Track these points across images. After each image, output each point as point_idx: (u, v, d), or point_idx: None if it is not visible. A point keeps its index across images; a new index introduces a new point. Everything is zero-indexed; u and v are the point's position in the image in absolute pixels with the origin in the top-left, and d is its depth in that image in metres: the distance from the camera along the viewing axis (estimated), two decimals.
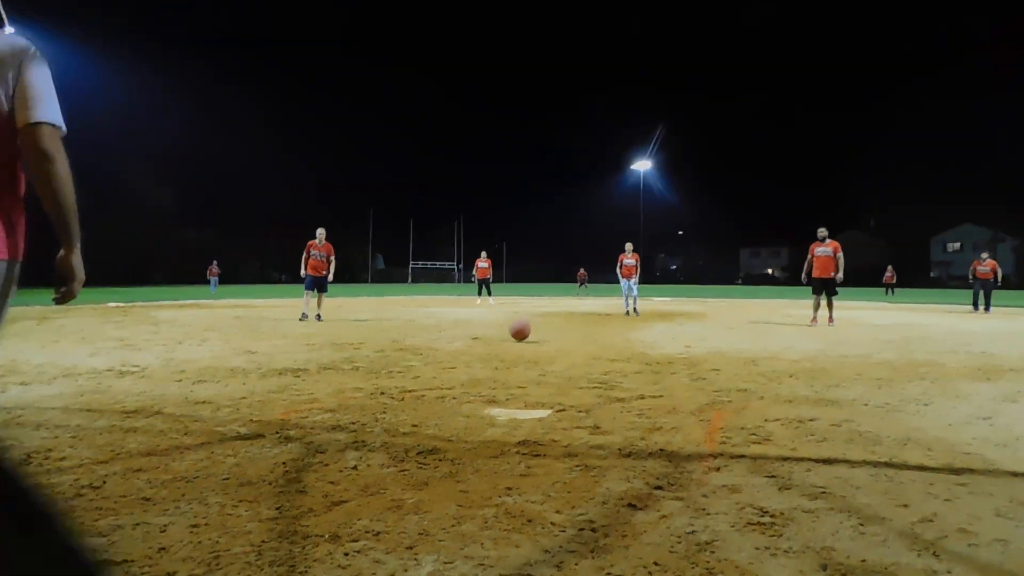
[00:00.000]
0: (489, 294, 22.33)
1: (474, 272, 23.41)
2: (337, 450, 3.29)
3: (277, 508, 2.47)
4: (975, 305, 18.16)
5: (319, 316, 13.00)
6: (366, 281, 67.12)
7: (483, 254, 22.90)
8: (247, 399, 4.62)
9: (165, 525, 2.30)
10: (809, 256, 13.04)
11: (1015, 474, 3.02)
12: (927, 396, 4.89)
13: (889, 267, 35.88)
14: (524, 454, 3.25)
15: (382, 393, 4.89)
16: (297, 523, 2.32)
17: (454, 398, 4.75)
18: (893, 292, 35.06)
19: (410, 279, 71.64)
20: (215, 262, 31.46)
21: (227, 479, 2.82)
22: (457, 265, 73.51)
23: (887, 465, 3.12)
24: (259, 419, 4.00)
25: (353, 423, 3.90)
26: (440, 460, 3.13)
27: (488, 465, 3.07)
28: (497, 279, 79.24)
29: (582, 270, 35.05)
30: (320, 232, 13.14)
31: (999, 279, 18.62)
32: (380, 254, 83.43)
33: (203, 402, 4.52)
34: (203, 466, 3.01)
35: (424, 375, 5.81)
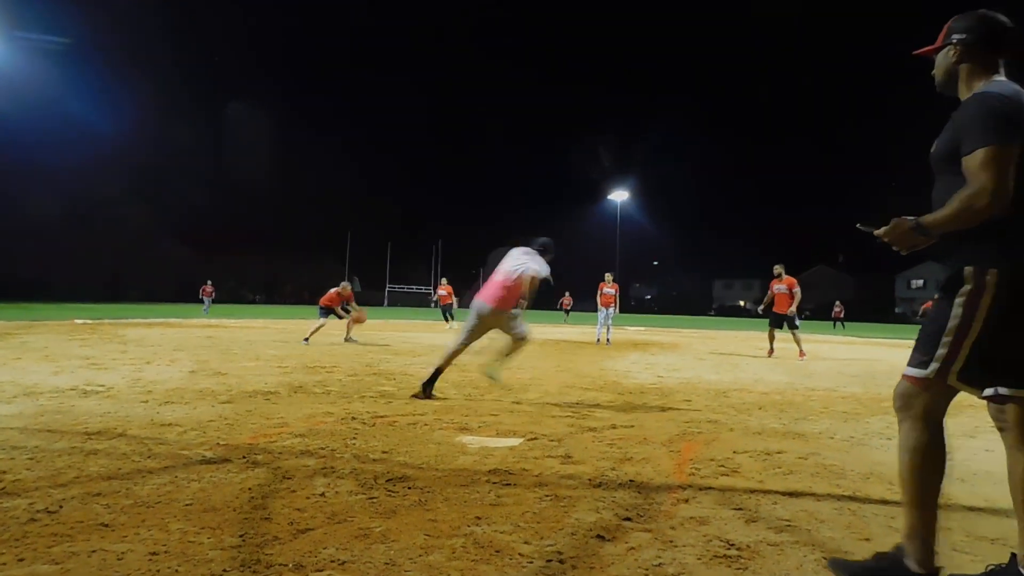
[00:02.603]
0: (452, 319, 22.29)
1: (435, 298, 23.74)
2: (305, 476, 3.25)
3: (241, 535, 2.43)
4: None
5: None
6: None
7: (443, 280, 23.62)
8: (215, 422, 4.55)
9: (123, 553, 2.24)
10: (770, 292, 13.51)
11: (972, 509, 3.08)
12: (891, 431, 4.95)
13: (837, 302, 36.92)
14: (495, 483, 3.24)
15: (353, 418, 4.85)
16: (261, 551, 2.28)
17: (426, 424, 4.72)
18: (843, 326, 35.82)
19: (386, 302, 71.20)
20: (208, 282, 31.03)
21: (190, 505, 2.77)
22: (434, 289, 73.31)
23: (851, 499, 3.15)
24: (226, 443, 3.94)
25: (322, 448, 3.85)
26: (410, 488, 3.11)
27: (458, 494, 3.04)
28: (462, 304, 79.16)
29: (566, 297, 34.65)
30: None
31: None
32: (356, 276, 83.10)
33: (169, 424, 4.44)
34: (166, 491, 2.95)
35: (396, 401, 5.77)
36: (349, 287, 14.45)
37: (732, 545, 2.48)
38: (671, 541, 2.50)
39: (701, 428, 4.90)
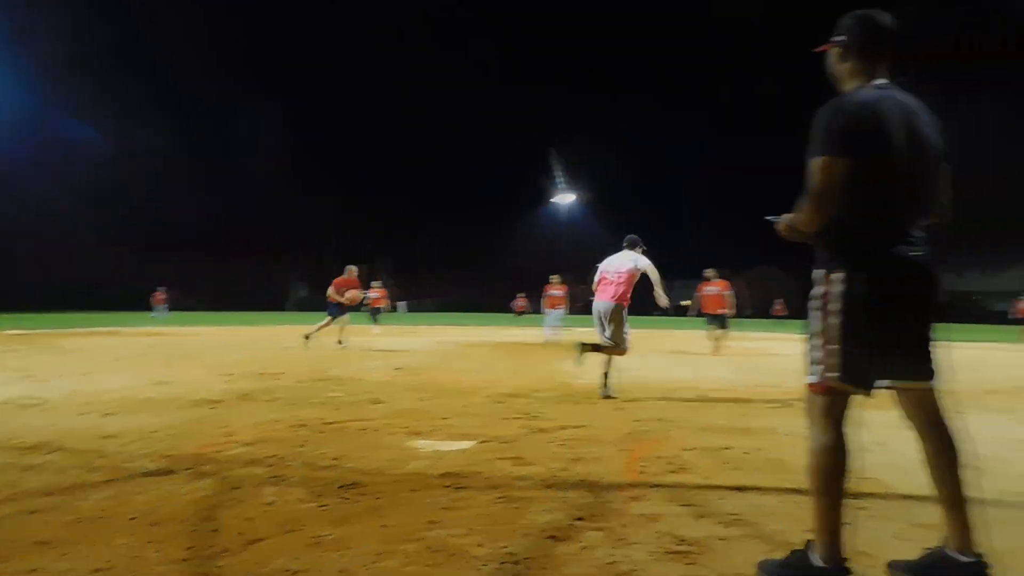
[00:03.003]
0: (375, 322, 21.51)
1: (366, 301, 22.73)
2: (254, 485, 3.20)
3: (188, 548, 2.38)
4: None
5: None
6: (286, 309, 65.31)
7: (377, 283, 22.46)
8: (158, 433, 4.43)
9: (64, 571, 2.18)
10: (697, 294, 14.11)
11: (909, 497, 3.19)
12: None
13: (778, 300, 37.70)
14: (447, 487, 3.24)
15: (302, 425, 4.78)
16: (210, 564, 2.24)
17: (377, 430, 4.68)
18: (784, 323, 36.88)
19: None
20: (160, 289, 29.91)
21: (135, 519, 2.69)
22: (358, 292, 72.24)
23: (795, 492, 3.24)
24: (171, 454, 3.84)
25: (271, 456, 3.79)
26: (361, 494, 3.08)
27: (411, 498, 3.04)
28: (425, 308, 78.56)
29: (521, 300, 33.80)
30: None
31: None
32: (303, 281, 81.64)
33: (111, 436, 4.31)
34: (109, 505, 2.87)
35: (346, 406, 5.71)
36: (355, 270, 13.87)
37: (683, 541, 2.53)
38: (623, 539, 2.54)
39: (650, 426, 4.98)
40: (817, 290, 2.22)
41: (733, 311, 13.61)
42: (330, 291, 13.46)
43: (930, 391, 2.23)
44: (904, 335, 2.19)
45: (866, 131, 2.10)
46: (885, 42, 2.29)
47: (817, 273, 2.23)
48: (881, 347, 2.16)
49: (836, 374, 2.17)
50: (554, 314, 16.38)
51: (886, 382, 2.23)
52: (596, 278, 7.13)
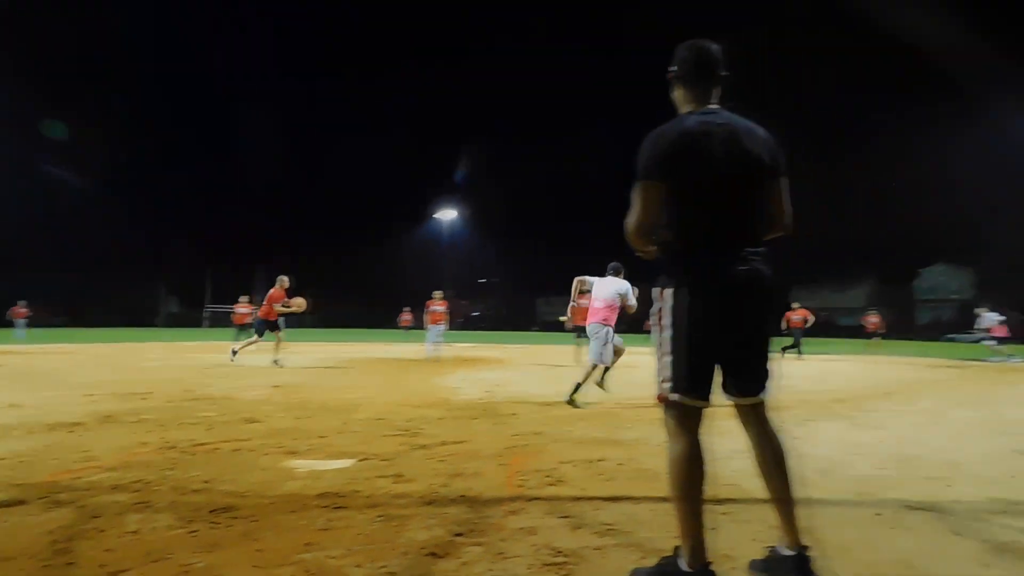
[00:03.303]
0: (237, 339, 20.70)
1: (233, 317, 21.58)
2: (116, 513, 3.01)
3: None
4: (785, 350, 19.08)
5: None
6: (157, 325, 61.31)
7: (243, 299, 21.51)
8: (7, 460, 4.08)
9: None
10: (572, 305, 14.44)
11: (765, 501, 3.42)
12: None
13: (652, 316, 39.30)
14: (325, 507, 3.18)
15: (171, 447, 4.54)
16: None
17: (251, 450, 4.52)
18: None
19: (206, 324, 66.39)
20: (22, 302, 26.89)
21: None
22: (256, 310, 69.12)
23: (665, 500, 3.39)
24: (22, 482, 3.55)
25: (136, 482, 3.58)
26: (234, 518, 2.97)
27: (287, 520, 2.96)
28: (302, 323, 75.83)
29: (406, 314, 32.51)
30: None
31: (808, 325, 20.16)
32: (173, 296, 77.02)
33: None
34: None
35: (219, 426, 5.47)
36: (287, 280, 13.27)
37: (559, 552, 2.60)
38: (502, 553, 2.59)
39: (528, 440, 5.08)
40: (654, 306, 2.38)
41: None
42: (265, 307, 12.96)
43: (759, 404, 2.40)
44: (732, 348, 2.34)
45: (682, 157, 2.27)
46: (713, 70, 2.46)
47: (655, 290, 2.40)
48: (710, 359, 2.31)
49: (670, 385, 2.33)
50: (435, 330, 16.37)
51: (730, 398, 2.40)
52: (574, 296, 8.56)
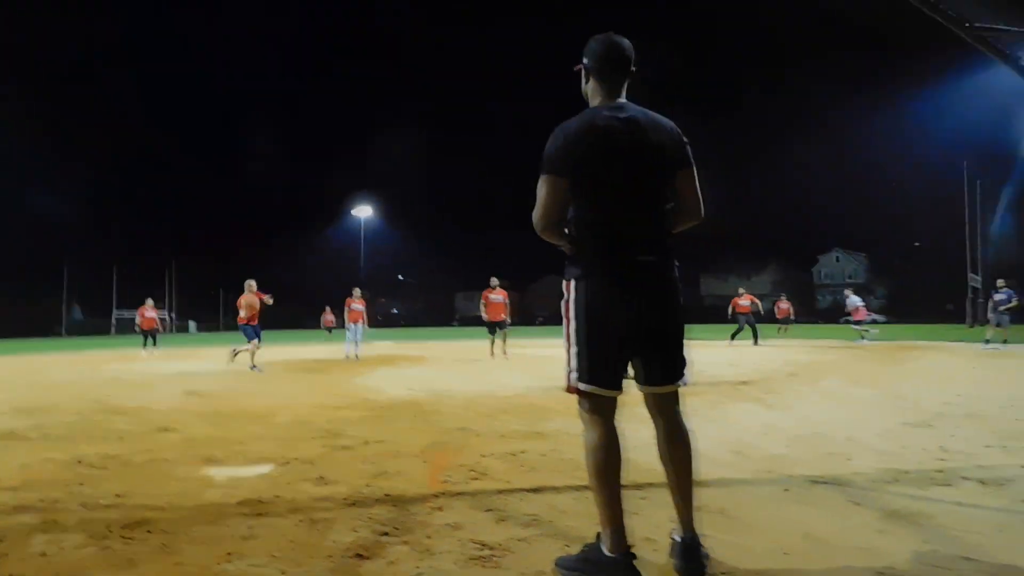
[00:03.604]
0: (148, 345, 19.65)
1: (138, 322, 20.48)
2: (21, 535, 2.86)
3: None
4: (733, 336, 19.66)
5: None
6: (60, 335, 57.63)
7: (148, 302, 20.43)
8: None
9: None
10: (483, 301, 15.12)
11: (665, 486, 3.56)
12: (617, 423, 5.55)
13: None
14: (246, 514, 3.11)
15: (79, 462, 4.32)
16: None
17: (167, 460, 4.36)
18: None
19: (114, 330, 63.04)
20: None
21: None
22: (170, 313, 66.24)
23: (587, 488, 3.47)
24: None
25: (42, 500, 3.40)
26: (150, 532, 2.87)
27: (206, 531, 2.88)
28: (215, 327, 73.10)
29: (329, 315, 31.76)
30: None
31: (760, 311, 20.66)
32: (76, 304, 72.74)
33: None
34: None
35: (131, 437, 5.24)
36: (254, 283, 13.01)
37: (485, 546, 2.64)
38: (428, 550, 2.60)
39: (451, 436, 5.10)
40: (563, 298, 2.44)
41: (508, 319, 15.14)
42: (241, 314, 12.75)
43: (669, 393, 2.46)
44: (638, 338, 2.38)
45: (585, 151, 2.33)
46: (621, 64, 2.50)
47: (563, 283, 2.45)
48: (616, 350, 2.37)
49: (577, 375, 2.38)
50: (355, 329, 16.10)
51: (645, 387, 2.45)
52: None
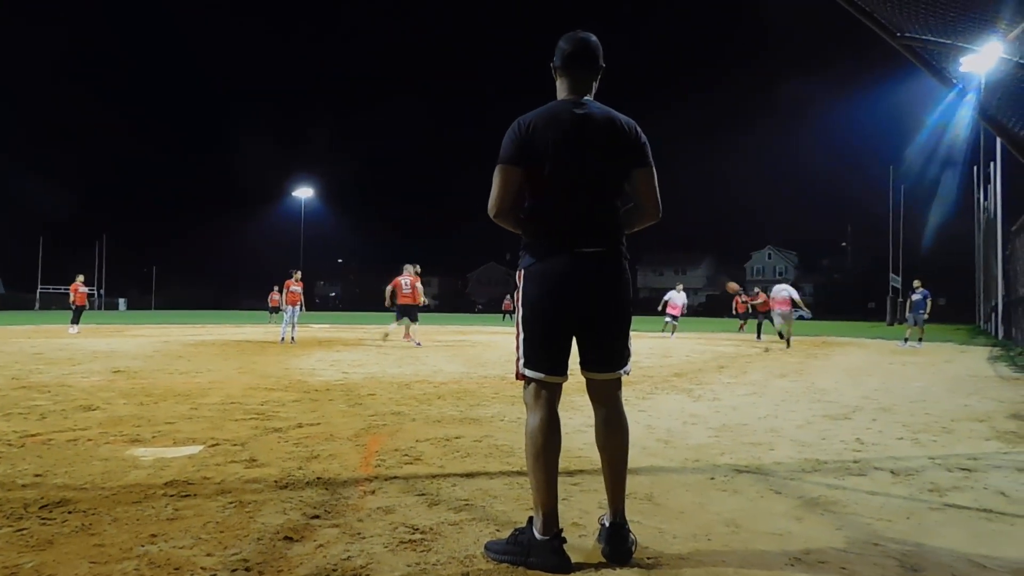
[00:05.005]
0: (76, 322, 19.18)
1: (72, 299, 19.92)
2: None
3: None
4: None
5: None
6: None
7: (79, 279, 20.07)
8: None
9: None
10: (391, 288, 15.26)
11: (599, 472, 3.64)
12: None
13: (507, 296, 40.72)
14: (172, 496, 3.04)
15: None
16: None
17: (90, 440, 4.22)
18: (511, 318, 39.59)
19: (38, 305, 60.10)
20: None
21: None
22: (99, 290, 63.55)
23: (520, 475, 3.53)
24: None
25: None
26: (69, 512, 2.78)
27: (129, 512, 2.80)
28: (146, 305, 70.59)
29: (275, 295, 29.71)
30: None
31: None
32: None
33: None
34: None
35: (53, 416, 5.05)
36: (413, 267, 15.16)
37: (416, 530, 2.65)
38: (359, 533, 2.60)
39: (386, 420, 5.08)
40: (515, 288, 2.49)
41: (425, 301, 15.88)
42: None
43: (610, 381, 2.52)
44: (583, 329, 2.46)
45: (540, 143, 2.38)
46: (584, 61, 2.55)
47: (516, 272, 2.52)
48: (561, 339, 2.43)
49: (523, 361, 2.45)
50: (291, 311, 15.81)
51: (590, 373, 2.52)
52: None
